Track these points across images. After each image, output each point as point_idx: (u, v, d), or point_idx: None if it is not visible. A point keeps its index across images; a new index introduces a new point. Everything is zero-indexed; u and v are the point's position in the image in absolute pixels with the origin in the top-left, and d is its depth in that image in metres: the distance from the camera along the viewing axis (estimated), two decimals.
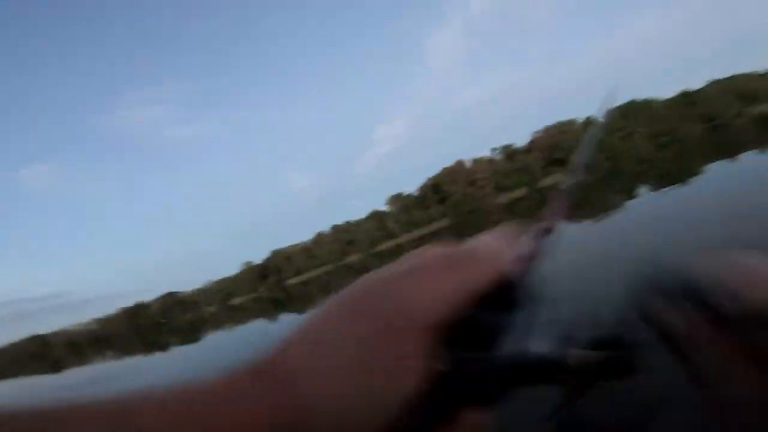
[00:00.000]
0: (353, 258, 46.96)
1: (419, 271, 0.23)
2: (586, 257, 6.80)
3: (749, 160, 14.21)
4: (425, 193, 52.80)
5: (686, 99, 51.37)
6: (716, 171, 14.25)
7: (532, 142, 53.44)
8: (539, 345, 0.22)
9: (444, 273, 0.23)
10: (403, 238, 45.91)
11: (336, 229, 55.89)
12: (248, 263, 67.26)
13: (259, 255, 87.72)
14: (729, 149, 18.67)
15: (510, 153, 55.06)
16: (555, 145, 49.31)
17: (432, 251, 0.24)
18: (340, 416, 0.20)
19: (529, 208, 25.15)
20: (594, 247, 8.03)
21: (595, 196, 18.57)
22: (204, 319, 40.13)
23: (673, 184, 14.29)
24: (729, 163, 15.01)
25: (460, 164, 53.23)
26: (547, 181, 45.33)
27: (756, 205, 6.54)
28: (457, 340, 0.23)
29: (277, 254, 60.33)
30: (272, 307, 25.27)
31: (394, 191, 60.79)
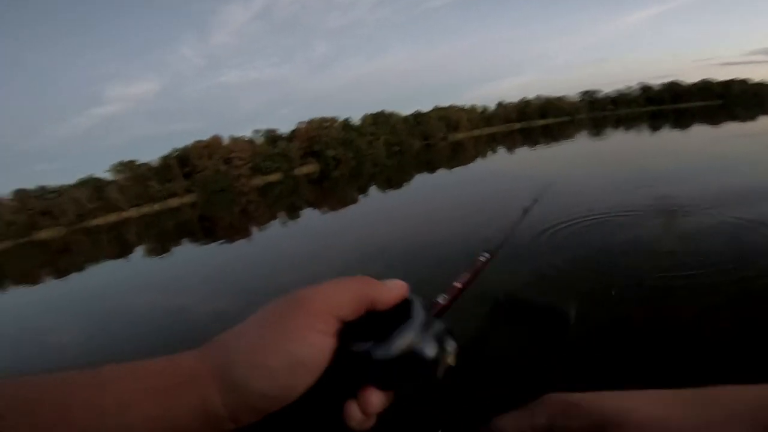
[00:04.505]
0: (49, 233, 35.72)
1: (332, 282, 0.32)
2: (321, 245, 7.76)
3: (442, 175, 18.42)
4: (169, 164, 45.72)
5: (416, 119, 63.41)
6: (419, 180, 17.89)
7: (295, 131, 54.57)
8: (421, 344, 0.31)
9: (347, 285, 0.31)
10: (132, 212, 38.53)
11: (22, 194, 40.23)
12: None
13: None
14: (431, 165, 23.97)
15: (272, 138, 54.64)
16: (314, 138, 51.93)
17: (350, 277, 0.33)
18: (256, 364, 0.28)
19: (281, 194, 25.37)
20: (330, 235, 8.72)
21: (341, 190, 20.38)
22: None
23: (393, 187, 17.12)
24: (428, 175, 19.16)
25: (216, 140, 48.99)
26: (302, 170, 47.31)
27: (431, 209, 8.71)
28: (356, 335, 0.31)
29: None
30: None
31: (120, 158, 47.53)
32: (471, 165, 20.11)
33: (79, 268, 12.81)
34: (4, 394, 0.24)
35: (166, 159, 46.54)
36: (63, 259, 17.05)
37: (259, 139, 54.57)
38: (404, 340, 0.31)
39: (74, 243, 23.56)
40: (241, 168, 46.76)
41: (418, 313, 0.33)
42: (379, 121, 57.86)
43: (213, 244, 11.88)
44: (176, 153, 47.25)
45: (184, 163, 45.96)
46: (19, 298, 10.73)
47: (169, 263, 10.70)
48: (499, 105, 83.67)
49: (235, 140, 50.63)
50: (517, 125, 74.23)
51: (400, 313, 0.33)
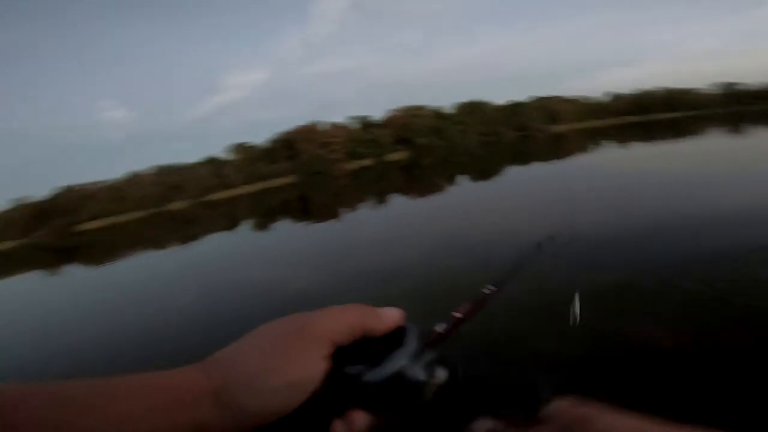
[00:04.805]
0: (177, 205, 41.26)
1: (330, 309, 0.34)
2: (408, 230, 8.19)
3: (536, 169, 17.41)
4: (275, 147, 49.99)
5: (512, 108, 60.23)
6: (511, 173, 17.13)
7: (387, 118, 55.59)
8: (410, 370, 0.33)
9: (344, 313, 0.34)
10: (242, 190, 42.83)
11: (160, 170, 47.12)
12: (22, 200, 46.19)
13: (41, 191, 63.03)
14: (526, 157, 22.73)
15: (366, 124, 56.35)
16: (405, 126, 52.37)
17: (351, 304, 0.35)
18: (256, 385, 0.30)
19: (371, 178, 26.25)
20: (416, 222, 8.97)
21: (429, 178, 20.43)
22: None
23: (484, 178, 16.66)
24: (522, 168, 18.23)
25: (315, 125, 52.17)
26: (393, 156, 48.13)
27: (529, 204, 8.50)
28: (349, 359, 0.33)
29: (69, 192, 44.20)
30: (53, 257, 20.04)
31: (233, 141, 53.36)
32: (570, 160, 18.64)
33: (197, 237, 14.61)
34: (8, 404, 0.24)
35: (272, 142, 50.96)
36: (186, 229, 19.65)
37: (354, 125, 56.69)
38: (393, 365, 0.32)
39: (196, 215, 27.05)
40: (337, 152, 49.17)
41: (411, 341, 0.34)
42: (472, 110, 56.18)
43: (308, 223, 12.81)
44: (281, 137, 51.35)
45: (288, 147, 49.80)
46: (150, 263, 12.68)
47: (269, 238, 11.82)
48: (613, 96, 75.48)
49: (332, 126, 53.30)
50: (633, 118, 66.20)
51: (393, 339, 0.34)
